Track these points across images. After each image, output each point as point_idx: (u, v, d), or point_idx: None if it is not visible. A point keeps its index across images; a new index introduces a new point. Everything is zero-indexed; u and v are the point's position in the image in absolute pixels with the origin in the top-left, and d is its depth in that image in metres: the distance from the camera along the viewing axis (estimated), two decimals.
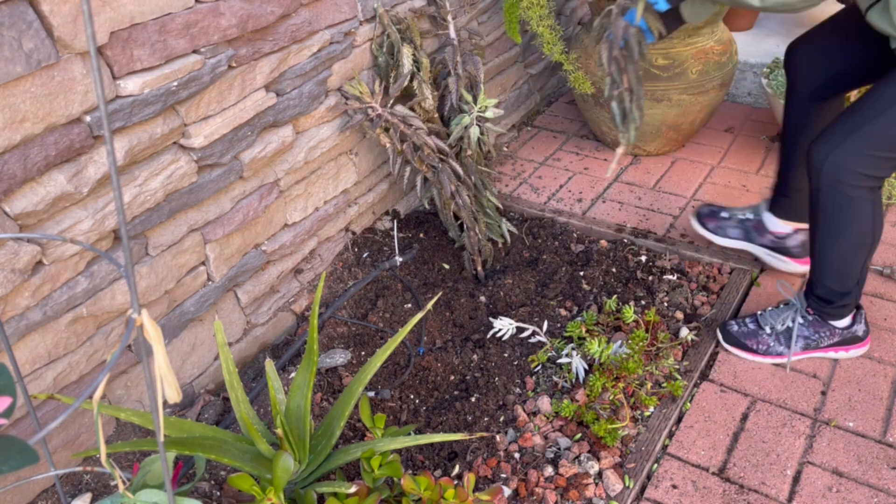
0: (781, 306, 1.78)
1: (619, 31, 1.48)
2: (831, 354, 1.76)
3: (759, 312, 1.81)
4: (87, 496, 1.42)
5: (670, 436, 1.60)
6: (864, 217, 1.55)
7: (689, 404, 1.67)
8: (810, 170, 1.54)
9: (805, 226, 1.81)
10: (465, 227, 2.01)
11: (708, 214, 2.08)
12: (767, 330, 1.76)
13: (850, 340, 1.74)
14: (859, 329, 1.75)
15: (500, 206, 2.12)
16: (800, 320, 1.73)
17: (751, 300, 1.96)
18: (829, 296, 1.69)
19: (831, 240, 1.61)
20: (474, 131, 1.84)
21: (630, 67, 1.56)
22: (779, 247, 1.99)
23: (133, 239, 1.44)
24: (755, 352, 1.75)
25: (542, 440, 1.58)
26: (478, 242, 2.03)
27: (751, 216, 2.03)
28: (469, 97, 1.84)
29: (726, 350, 1.79)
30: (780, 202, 1.96)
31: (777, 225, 1.97)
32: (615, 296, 1.93)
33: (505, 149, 2.69)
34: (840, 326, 1.73)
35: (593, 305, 1.95)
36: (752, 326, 1.77)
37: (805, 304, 1.74)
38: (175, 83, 1.35)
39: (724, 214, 2.06)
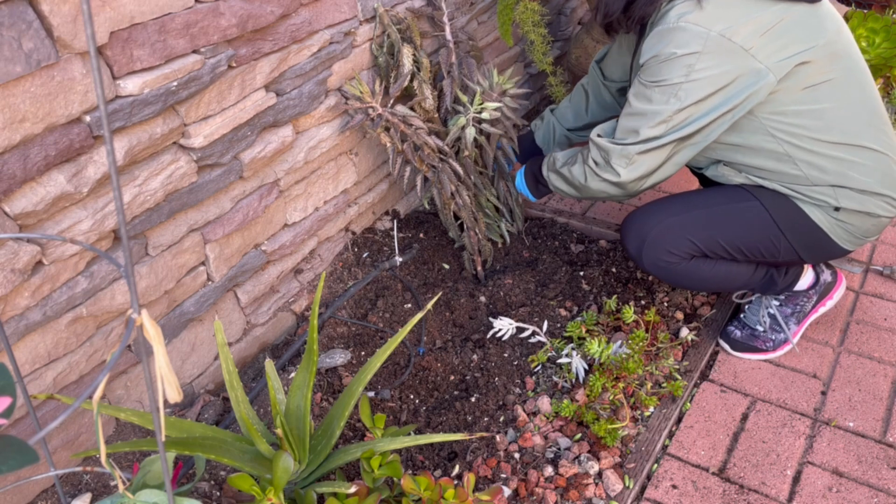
0: (753, 300, 1.82)
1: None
2: (822, 310, 1.80)
3: (741, 315, 1.84)
4: (87, 496, 1.42)
5: (670, 436, 1.60)
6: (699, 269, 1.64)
7: (689, 404, 1.67)
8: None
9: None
10: (465, 227, 2.01)
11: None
12: (760, 329, 1.78)
13: (826, 290, 1.78)
14: (826, 275, 1.78)
15: (500, 206, 2.12)
16: (775, 303, 1.77)
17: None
18: (766, 283, 1.72)
19: (708, 287, 1.76)
20: (470, 132, 1.84)
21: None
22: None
23: (133, 239, 1.43)
24: (766, 350, 1.77)
25: (542, 440, 1.58)
26: (478, 242, 2.02)
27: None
28: (465, 98, 1.84)
29: (739, 357, 1.79)
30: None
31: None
32: (615, 296, 1.93)
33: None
34: (807, 286, 1.76)
35: (593, 305, 1.95)
36: (748, 331, 1.80)
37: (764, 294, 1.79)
38: (175, 83, 1.35)
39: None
